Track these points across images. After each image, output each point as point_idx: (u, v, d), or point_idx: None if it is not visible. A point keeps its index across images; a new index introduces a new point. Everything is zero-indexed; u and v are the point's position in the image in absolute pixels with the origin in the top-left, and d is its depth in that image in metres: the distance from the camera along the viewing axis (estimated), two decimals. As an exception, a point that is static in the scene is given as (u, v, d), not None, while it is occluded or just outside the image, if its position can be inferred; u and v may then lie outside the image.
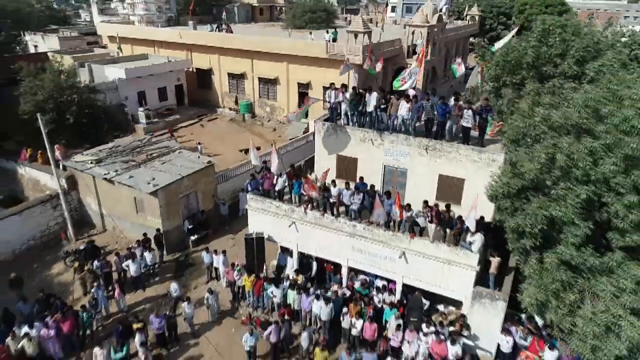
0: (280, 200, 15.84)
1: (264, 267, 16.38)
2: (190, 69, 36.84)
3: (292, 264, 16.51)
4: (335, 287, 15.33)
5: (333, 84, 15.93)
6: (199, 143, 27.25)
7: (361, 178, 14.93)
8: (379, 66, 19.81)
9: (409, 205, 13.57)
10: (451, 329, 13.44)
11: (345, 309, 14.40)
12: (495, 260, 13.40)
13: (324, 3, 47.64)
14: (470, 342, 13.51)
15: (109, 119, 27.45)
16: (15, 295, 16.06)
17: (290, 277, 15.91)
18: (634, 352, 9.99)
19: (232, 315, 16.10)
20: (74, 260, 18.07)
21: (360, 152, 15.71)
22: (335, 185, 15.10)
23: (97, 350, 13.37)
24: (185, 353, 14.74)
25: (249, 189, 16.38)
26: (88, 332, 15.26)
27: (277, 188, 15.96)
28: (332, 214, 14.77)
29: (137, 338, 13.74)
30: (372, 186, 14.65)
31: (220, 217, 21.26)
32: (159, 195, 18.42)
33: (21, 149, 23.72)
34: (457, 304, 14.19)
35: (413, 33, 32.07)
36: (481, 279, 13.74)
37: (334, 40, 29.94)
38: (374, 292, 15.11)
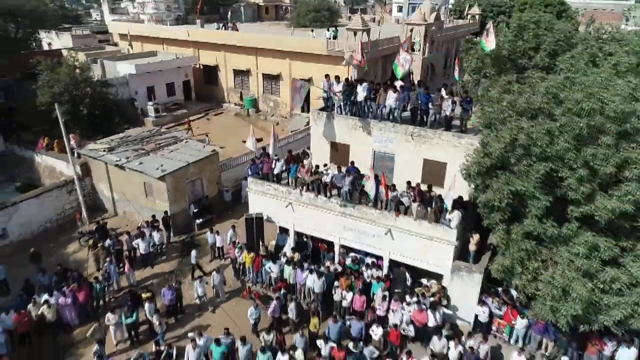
0: (278, 183, 17.12)
1: (263, 245, 17.66)
2: (197, 66, 38.27)
3: (289, 243, 17.82)
4: (328, 263, 16.61)
5: (327, 75, 17.19)
6: (207, 134, 28.70)
7: (352, 162, 16.17)
8: (355, 59, 20.23)
9: (393, 185, 14.83)
10: (432, 299, 14.66)
11: (336, 283, 15.69)
12: (474, 238, 14.58)
13: (328, 2, 48.84)
14: (449, 312, 14.70)
15: (120, 112, 28.95)
16: (35, 269, 17.52)
17: (288, 255, 17.21)
18: (589, 312, 11.19)
19: (234, 290, 17.40)
20: (88, 239, 19.50)
21: (352, 139, 16.97)
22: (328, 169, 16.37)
23: (109, 315, 14.77)
24: (193, 321, 16.04)
25: (250, 173, 17.67)
26: (101, 302, 16.69)
27: (275, 172, 17.25)
28: (325, 195, 16.01)
29: (146, 307, 15.15)
30: (358, 170, 15.92)
31: (223, 202, 22.61)
32: (166, 180, 19.79)
33: (38, 139, 25.27)
34: (439, 277, 15.39)
35: (411, 31, 33.17)
36: (463, 256, 14.95)
37: (335, 37, 31.20)
38: (364, 268, 16.36)
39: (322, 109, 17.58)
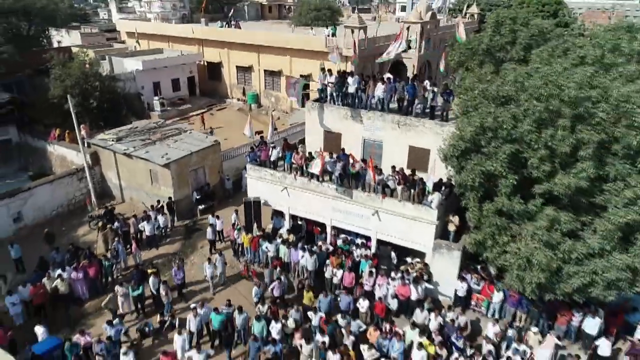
0: (274, 169, 18.33)
1: (260, 227, 18.88)
2: (202, 62, 39.64)
3: (285, 225, 19.04)
4: (320, 243, 17.82)
5: (323, 69, 18.38)
6: (211, 128, 30.05)
7: (342, 149, 17.35)
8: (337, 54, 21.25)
9: (380, 170, 16.01)
10: (414, 275, 15.81)
11: (328, 261, 16.88)
12: (454, 219, 15.72)
13: (328, 1, 50.00)
14: (431, 287, 15.85)
15: (127, 105, 30.32)
16: (49, 249, 18.84)
17: (283, 237, 18.41)
18: (552, 281, 12.33)
19: (235, 274, 18.60)
20: (97, 222, 20.81)
21: (343, 128, 18.16)
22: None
23: (118, 287, 16.05)
24: (196, 297, 17.26)
25: (248, 160, 18.90)
26: (110, 279, 17.99)
27: (272, 159, 18.46)
28: (318, 180, 17.21)
29: (151, 280, 16.41)
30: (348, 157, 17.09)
31: (225, 190, 23.88)
32: (171, 167, 21.07)
33: (49, 131, 26.66)
34: (423, 256, 16.54)
35: (408, 29, 34.28)
36: (445, 236, 16.08)
37: (333, 35, 32.39)
38: (354, 248, 17.55)
39: (316, 100, 18.78)
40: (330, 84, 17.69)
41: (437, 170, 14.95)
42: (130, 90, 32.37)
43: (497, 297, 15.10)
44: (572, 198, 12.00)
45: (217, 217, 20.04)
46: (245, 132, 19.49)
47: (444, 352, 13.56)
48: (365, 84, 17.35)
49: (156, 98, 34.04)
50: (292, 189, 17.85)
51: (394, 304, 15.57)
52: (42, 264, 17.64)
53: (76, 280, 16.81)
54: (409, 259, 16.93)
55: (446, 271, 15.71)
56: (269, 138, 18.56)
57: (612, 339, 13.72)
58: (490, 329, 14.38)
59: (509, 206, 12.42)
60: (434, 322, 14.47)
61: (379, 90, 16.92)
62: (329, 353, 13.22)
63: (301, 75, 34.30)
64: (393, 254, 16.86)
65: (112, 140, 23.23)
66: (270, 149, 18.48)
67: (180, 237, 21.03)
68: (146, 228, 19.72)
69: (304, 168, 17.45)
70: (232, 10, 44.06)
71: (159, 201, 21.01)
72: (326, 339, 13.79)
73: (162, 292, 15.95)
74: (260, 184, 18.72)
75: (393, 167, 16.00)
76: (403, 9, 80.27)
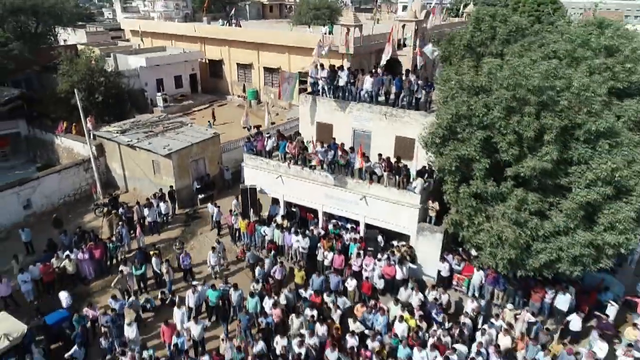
0: (269, 158, 19.40)
1: (256, 212, 19.97)
2: (203, 60, 40.78)
3: (280, 212, 20.11)
4: (312, 227, 18.88)
5: (315, 62, 19.42)
6: (209, 121, 31.16)
7: (333, 139, 18.40)
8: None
9: (367, 157, 17.06)
10: (399, 256, 16.85)
11: (319, 245, 17.94)
12: (434, 205, 16.70)
13: (328, 1, 51.01)
14: (414, 267, 16.87)
15: (131, 100, 31.48)
16: (57, 233, 19.98)
17: (278, 222, 19.47)
18: (522, 258, 13.35)
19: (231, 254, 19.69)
20: (102, 209, 21.95)
21: (334, 119, 19.20)
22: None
23: (123, 266, 17.15)
24: (199, 276, 18.33)
25: (245, 149, 19.99)
26: (114, 261, 19.11)
27: (267, 148, 19.54)
28: (310, 168, 18.26)
29: (153, 260, 17.53)
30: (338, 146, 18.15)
31: (224, 181, 24.96)
32: (172, 157, 22.18)
33: (56, 125, 27.83)
34: (408, 239, 17.56)
35: (403, 27, 35.27)
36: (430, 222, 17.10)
37: (330, 33, 33.41)
38: (344, 232, 18.60)
39: (309, 93, 19.85)
40: (322, 78, 18.73)
41: (421, 158, 15.96)
42: (134, 86, 33.51)
43: (477, 276, 16.12)
44: (540, 180, 13.02)
45: (216, 204, 21.13)
46: (242, 122, 20.58)
47: (424, 325, 14.60)
48: (354, 78, 18.38)
49: (159, 94, 35.18)
50: (286, 177, 18.92)
51: (380, 284, 16.64)
52: (51, 245, 18.78)
53: (83, 261, 17.95)
54: (395, 242, 17.94)
55: (429, 253, 16.73)
56: (266, 126, 19.64)
57: (582, 315, 14.71)
58: (469, 305, 15.45)
59: (483, 188, 13.42)
60: (414, 298, 15.53)
61: (368, 83, 17.95)
62: (317, 325, 14.30)
63: (299, 73, 35.50)
64: (380, 237, 17.90)
65: (117, 133, 24.36)
66: (266, 139, 19.55)
67: (180, 224, 22.12)
68: (148, 214, 20.81)
69: (298, 157, 18.54)
70: (232, 10, 45.17)
71: (160, 189, 22.10)
72: (315, 312, 14.89)
73: (164, 270, 17.06)
74: (257, 172, 19.79)
75: (379, 155, 17.04)
76: (404, 8, 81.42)
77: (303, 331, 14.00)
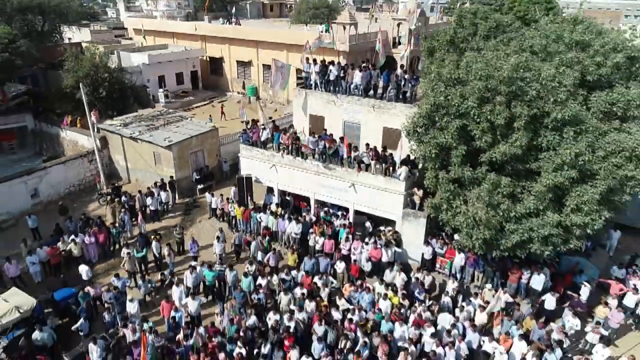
0: (264, 148, 20.42)
1: (252, 200, 20.98)
2: (204, 57, 41.87)
3: (274, 200, 21.13)
4: (304, 214, 19.89)
5: (308, 58, 20.44)
6: (210, 115, 32.22)
7: (324, 130, 19.41)
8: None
9: (356, 147, 18.08)
10: (385, 240, 17.84)
11: (311, 230, 18.94)
12: (418, 192, 17.67)
13: (327, 0, 51.95)
14: (400, 251, 17.85)
15: (134, 96, 32.58)
16: (63, 220, 21.04)
17: (273, 210, 20.49)
18: (496, 238, 14.29)
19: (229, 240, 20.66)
20: (106, 198, 23.00)
21: (326, 111, 20.20)
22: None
23: (125, 249, 18.19)
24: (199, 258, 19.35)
25: (241, 140, 21.02)
26: (117, 246, 20.16)
27: (262, 139, 20.56)
28: (303, 157, 19.27)
29: (154, 244, 18.56)
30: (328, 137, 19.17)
31: (222, 172, 25.99)
32: (173, 149, 23.22)
33: (61, 119, 28.94)
34: (394, 226, 18.53)
35: (398, 25, 36.27)
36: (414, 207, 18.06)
37: (327, 31, 34.40)
38: (334, 219, 19.59)
39: (302, 87, 20.86)
40: (314, 72, 19.74)
41: (405, 148, 16.93)
42: (136, 82, 34.58)
43: (458, 259, 17.09)
44: (512, 166, 13.99)
45: (212, 194, 22.16)
46: (240, 113, 21.61)
47: (406, 303, 15.58)
48: (344, 72, 19.37)
49: (161, 90, 36.27)
50: (280, 166, 19.93)
51: (367, 266, 17.62)
52: (58, 230, 19.83)
53: (88, 245, 19.00)
54: (382, 227, 18.92)
55: (414, 237, 17.71)
56: (261, 118, 20.70)
57: (556, 295, 15.65)
58: (450, 285, 16.41)
59: (460, 173, 14.39)
60: (398, 279, 16.51)
61: (357, 77, 18.95)
62: (307, 301, 15.30)
63: (297, 69, 36.51)
64: (368, 223, 18.89)
65: (120, 126, 25.42)
66: (261, 130, 20.57)
67: (180, 212, 23.16)
68: (150, 202, 21.85)
69: (291, 147, 19.55)
70: (232, 9, 46.26)
71: (162, 179, 23.14)
72: (304, 291, 15.90)
73: (166, 253, 18.10)
74: (252, 162, 20.81)
75: (367, 145, 18.04)
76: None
77: (293, 307, 15.01)
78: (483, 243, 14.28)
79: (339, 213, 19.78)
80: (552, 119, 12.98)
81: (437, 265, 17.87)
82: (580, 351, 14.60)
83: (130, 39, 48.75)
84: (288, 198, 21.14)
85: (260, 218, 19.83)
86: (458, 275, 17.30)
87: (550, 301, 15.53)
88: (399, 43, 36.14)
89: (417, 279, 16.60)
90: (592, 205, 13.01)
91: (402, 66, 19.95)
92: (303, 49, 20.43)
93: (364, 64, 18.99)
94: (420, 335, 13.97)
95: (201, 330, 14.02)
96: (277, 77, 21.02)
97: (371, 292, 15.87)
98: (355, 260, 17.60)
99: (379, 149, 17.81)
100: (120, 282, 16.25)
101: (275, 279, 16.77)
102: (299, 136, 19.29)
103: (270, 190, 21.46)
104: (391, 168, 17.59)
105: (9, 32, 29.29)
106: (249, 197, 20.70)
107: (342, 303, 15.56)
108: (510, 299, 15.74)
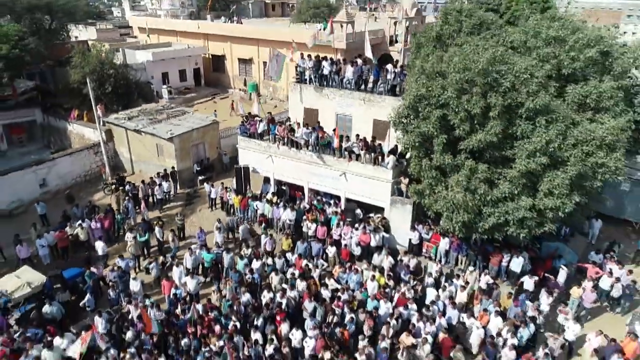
0: (261, 140, 21.46)
1: (249, 189, 22.02)
2: (207, 55, 43.01)
3: (271, 190, 22.17)
4: (299, 202, 20.92)
5: (302, 54, 21.47)
6: (215, 110, 33.31)
7: (318, 122, 20.44)
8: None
9: (347, 137, 19.11)
10: (373, 226, 18.83)
11: (305, 217, 19.96)
12: (404, 181, 18.62)
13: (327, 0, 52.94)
14: (388, 236, 18.83)
15: (138, 92, 33.66)
16: (70, 208, 22.18)
17: (269, 198, 21.53)
18: (475, 221, 15.24)
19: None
20: (111, 188, 24.13)
21: (320, 105, 21.22)
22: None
23: (128, 234, 19.27)
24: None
25: (239, 132, 22.07)
26: (121, 232, 21.24)
27: (259, 131, 21.61)
28: (297, 148, 20.29)
29: (156, 230, 19.64)
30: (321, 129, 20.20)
31: (222, 164, 27.06)
32: (174, 141, 24.31)
33: (68, 113, 30.11)
34: (383, 212, 19.52)
35: (395, 24, 37.22)
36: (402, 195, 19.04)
37: (325, 29, 35.37)
38: (326, 207, 20.60)
39: (297, 81, 21.88)
40: (308, 68, 20.76)
41: (393, 139, 17.92)
42: (141, 79, 35.68)
43: (443, 243, 18.05)
44: (490, 153, 14.94)
45: (212, 185, 23.21)
46: (238, 108, 22.66)
47: (391, 283, 16.56)
48: (337, 67, 20.38)
49: (164, 86, 37.40)
50: (275, 157, 20.96)
51: (357, 250, 18.60)
52: (65, 217, 20.96)
53: (93, 229, 20.10)
54: (372, 214, 19.91)
55: (401, 223, 18.68)
56: (256, 112, 21.71)
57: (535, 278, 16.57)
58: (433, 267, 17.38)
59: (442, 160, 15.34)
60: (385, 261, 17.50)
61: (349, 72, 19.95)
62: (298, 281, 16.33)
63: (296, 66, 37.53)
64: (358, 211, 19.89)
65: (124, 119, 26.54)
66: (258, 122, 21.61)
67: (182, 202, 24.24)
68: (158, 192, 22.91)
69: (287, 138, 20.58)
70: (234, 7, 47.35)
71: (165, 169, 24.22)
72: (296, 272, 16.92)
73: (170, 238, 19.20)
74: (250, 153, 21.86)
75: (357, 136, 19.04)
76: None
77: (285, 286, 16.03)
78: (462, 226, 15.23)
79: (331, 201, 20.79)
80: (525, 109, 13.91)
81: (424, 250, 18.83)
82: (554, 328, 15.53)
83: (135, 37, 49.95)
84: (284, 188, 22.16)
85: (256, 206, 20.87)
86: (443, 260, 18.25)
87: (528, 283, 16.44)
88: (396, 41, 37.11)
89: (401, 261, 17.60)
90: (563, 190, 13.92)
91: (396, 61, 20.88)
92: (289, 47, 21.37)
93: (355, 59, 19.97)
94: (402, 312, 14.94)
95: (199, 306, 15.06)
96: (273, 65, 21.96)
97: (359, 273, 16.86)
98: (345, 245, 18.59)
99: (369, 140, 18.77)
100: (124, 262, 17.32)
101: (270, 261, 17.80)
102: (293, 128, 20.28)
103: (267, 180, 22.48)
104: (380, 157, 18.55)
105: (18, 29, 30.47)
106: (247, 187, 21.73)
107: (331, 283, 16.56)
108: (491, 281, 16.70)
